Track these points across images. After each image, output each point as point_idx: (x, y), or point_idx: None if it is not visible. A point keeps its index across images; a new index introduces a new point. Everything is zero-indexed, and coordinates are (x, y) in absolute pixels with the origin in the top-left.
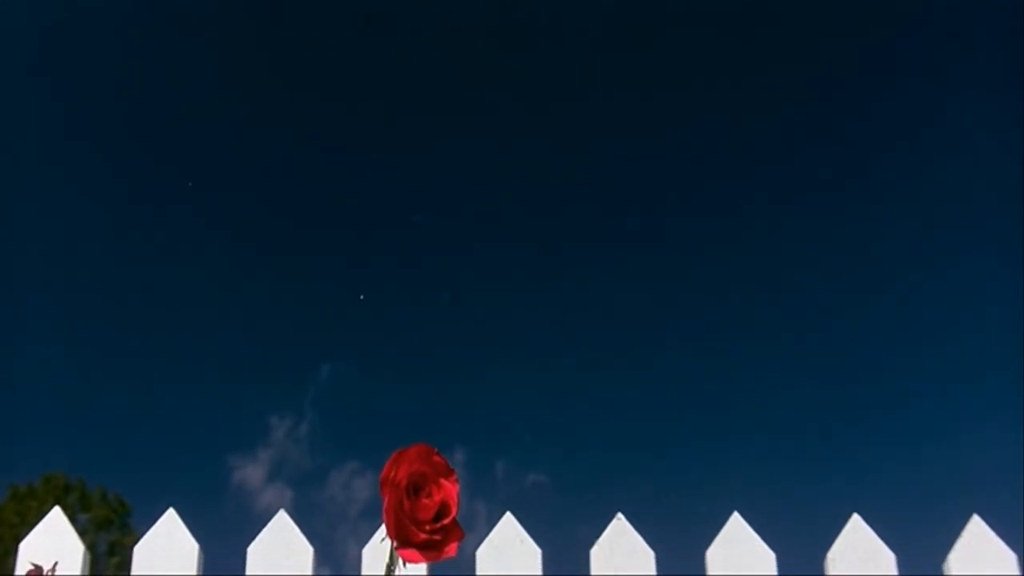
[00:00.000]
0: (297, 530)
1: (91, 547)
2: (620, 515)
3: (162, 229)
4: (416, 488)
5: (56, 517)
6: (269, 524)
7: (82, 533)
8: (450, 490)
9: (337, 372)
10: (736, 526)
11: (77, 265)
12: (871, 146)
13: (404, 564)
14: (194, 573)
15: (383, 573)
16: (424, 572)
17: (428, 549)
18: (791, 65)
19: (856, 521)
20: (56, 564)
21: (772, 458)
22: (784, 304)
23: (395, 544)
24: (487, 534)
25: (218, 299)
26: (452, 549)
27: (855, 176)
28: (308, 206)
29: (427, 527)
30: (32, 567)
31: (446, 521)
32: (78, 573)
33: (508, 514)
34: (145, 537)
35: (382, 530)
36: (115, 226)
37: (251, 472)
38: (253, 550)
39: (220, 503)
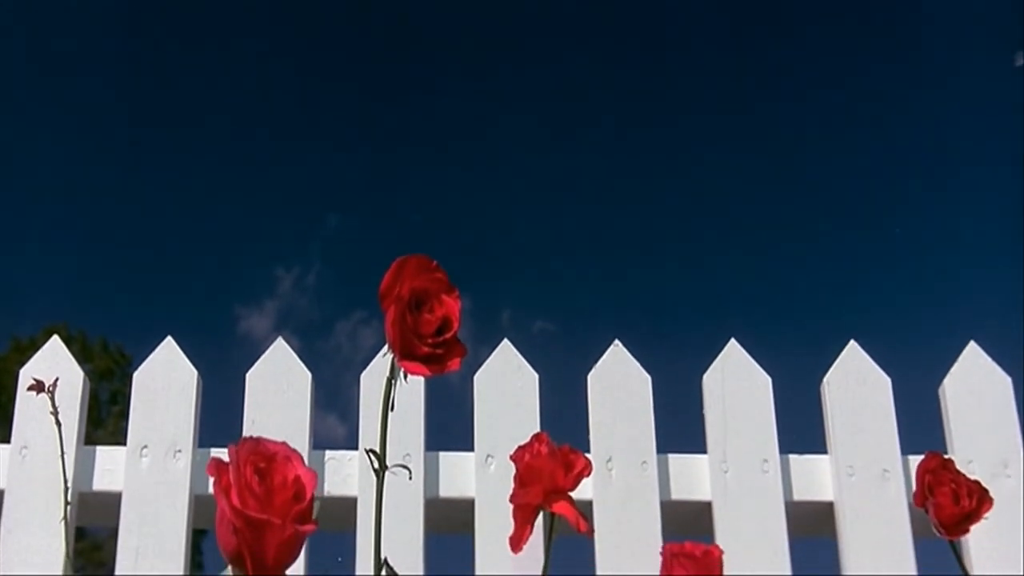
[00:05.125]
0: (295, 356)
1: (93, 396)
2: (617, 342)
3: (170, 74)
4: (418, 304)
5: (55, 345)
6: (267, 351)
7: None
8: (452, 306)
9: (344, 222)
10: (733, 352)
11: (79, 112)
12: None
13: (406, 377)
14: (193, 400)
15: (384, 389)
16: (423, 395)
17: (431, 362)
18: None
19: (852, 347)
20: (57, 380)
21: (769, 287)
22: (779, 130)
23: (397, 357)
24: None
25: (223, 149)
26: (455, 363)
27: None
28: (317, 55)
29: (429, 341)
30: (33, 381)
31: (448, 336)
32: (78, 395)
33: (505, 341)
34: (143, 365)
35: (383, 351)
36: (120, 71)
37: (257, 322)
38: (252, 375)
39: (225, 352)
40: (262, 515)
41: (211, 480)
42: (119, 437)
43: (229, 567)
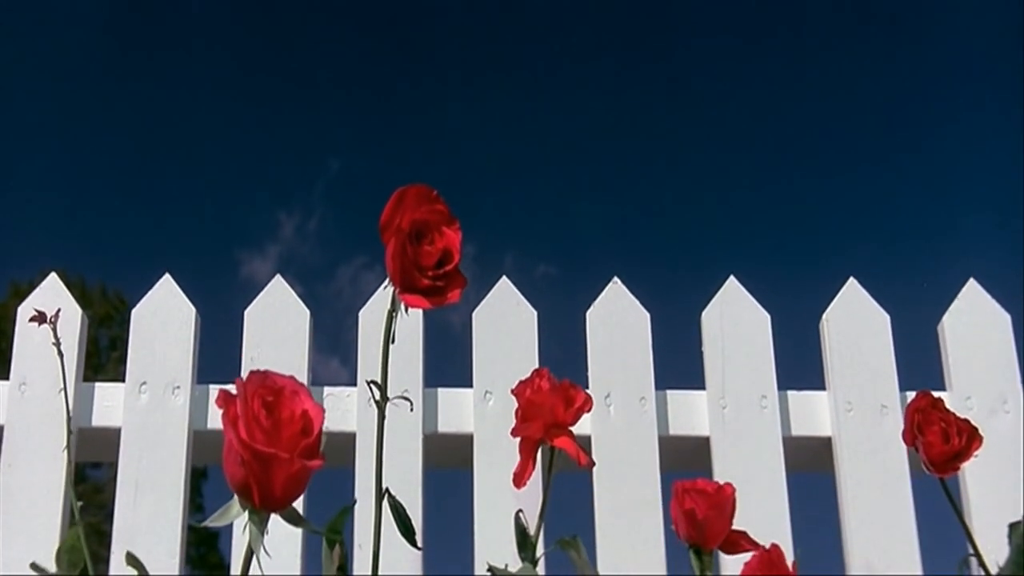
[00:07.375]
0: (293, 293)
1: (92, 342)
2: (616, 279)
3: (169, 18)
4: (418, 235)
5: (52, 281)
6: (265, 289)
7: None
8: (452, 238)
9: (346, 167)
10: (732, 289)
11: (80, 57)
12: None
13: (407, 310)
14: (191, 336)
15: (384, 322)
16: (422, 332)
17: (431, 294)
18: None
19: (852, 284)
20: (59, 311)
21: (769, 224)
22: (781, 69)
23: (398, 290)
24: None
25: (225, 93)
26: (455, 295)
27: None
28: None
29: (429, 273)
30: (35, 312)
31: (448, 268)
32: (76, 330)
33: (504, 279)
34: (141, 302)
35: (383, 285)
36: (118, 15)
37: (258, 267)
38: (250, 313)
39: (226, 296)
40: (270, 449)
41: (210, 416)
42: (119, 382)
43: (234, 499)
